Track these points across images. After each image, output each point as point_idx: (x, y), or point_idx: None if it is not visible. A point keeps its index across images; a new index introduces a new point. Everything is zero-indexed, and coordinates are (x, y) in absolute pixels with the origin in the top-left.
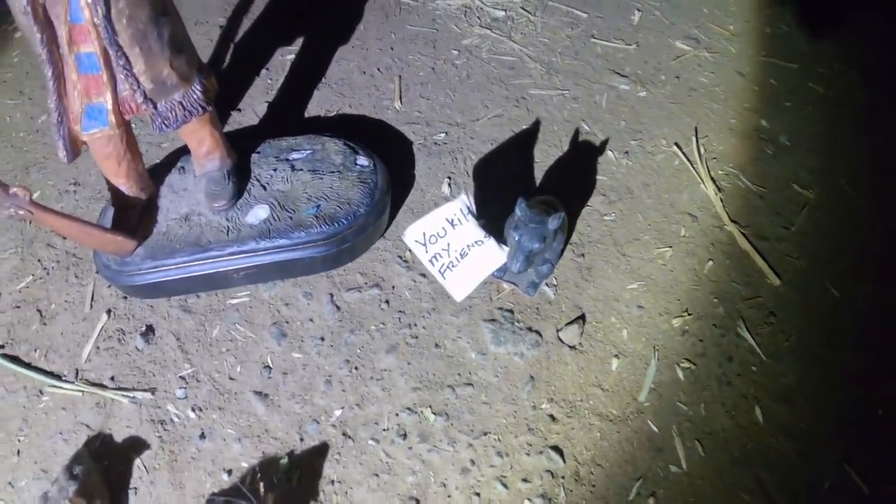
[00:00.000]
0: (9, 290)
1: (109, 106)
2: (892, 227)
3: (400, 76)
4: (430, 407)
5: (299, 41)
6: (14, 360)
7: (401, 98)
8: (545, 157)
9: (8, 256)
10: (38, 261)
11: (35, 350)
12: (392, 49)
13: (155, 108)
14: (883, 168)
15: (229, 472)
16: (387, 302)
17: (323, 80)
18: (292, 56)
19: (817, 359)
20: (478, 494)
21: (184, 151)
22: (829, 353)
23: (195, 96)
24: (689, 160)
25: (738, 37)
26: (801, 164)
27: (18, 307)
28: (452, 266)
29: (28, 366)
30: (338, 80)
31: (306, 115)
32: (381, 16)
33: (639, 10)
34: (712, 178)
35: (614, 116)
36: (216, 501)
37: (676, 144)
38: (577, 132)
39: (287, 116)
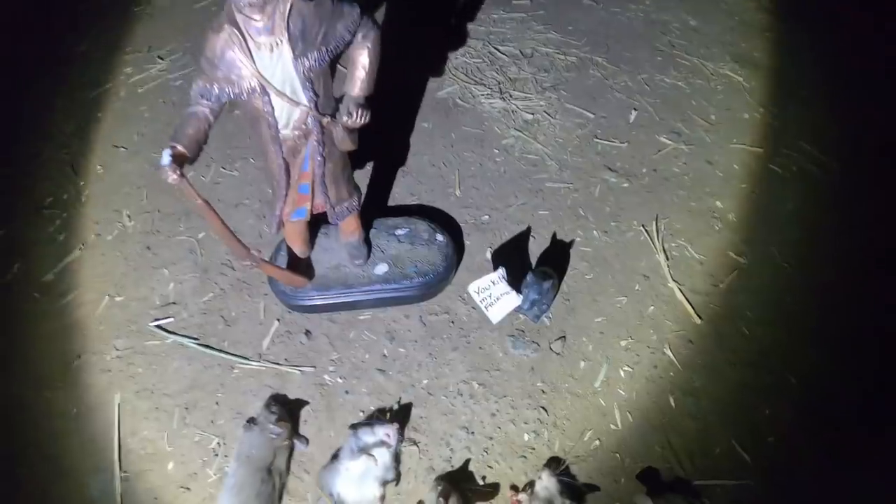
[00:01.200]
0: (195, 302)
1: (309, 208)
2: (809, 285)
3: (458, 170)
4: (476, 381)
5: (386, 134)
6: (207, 347)
7: (459, 187)
8: (552, 234)
9: (189, 278)
10: (216, 283)
11: (224, 342)
12: (452, 146)
13: (334, 209)
14: (813, 235)
15: (363, 412)
16: (452, 322)
17: (404, 168)
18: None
19: (722, 373)
20: (499, 427)
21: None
22: (733, 371)
23: (354, 203)
24: (650, 237)
25: (715, 126)
26: (741, 237)
27: (205, 314)
28: (491, 305)
29: (220, 350)
30: (415, 171)
31: (398, 195)
32: (443, 114)
33: (635, 109)
34: (664, 250)
35: (602, 203)
36: (357, 425)
37: (643, 226)
38: (575, 217)
39: (384, 196)
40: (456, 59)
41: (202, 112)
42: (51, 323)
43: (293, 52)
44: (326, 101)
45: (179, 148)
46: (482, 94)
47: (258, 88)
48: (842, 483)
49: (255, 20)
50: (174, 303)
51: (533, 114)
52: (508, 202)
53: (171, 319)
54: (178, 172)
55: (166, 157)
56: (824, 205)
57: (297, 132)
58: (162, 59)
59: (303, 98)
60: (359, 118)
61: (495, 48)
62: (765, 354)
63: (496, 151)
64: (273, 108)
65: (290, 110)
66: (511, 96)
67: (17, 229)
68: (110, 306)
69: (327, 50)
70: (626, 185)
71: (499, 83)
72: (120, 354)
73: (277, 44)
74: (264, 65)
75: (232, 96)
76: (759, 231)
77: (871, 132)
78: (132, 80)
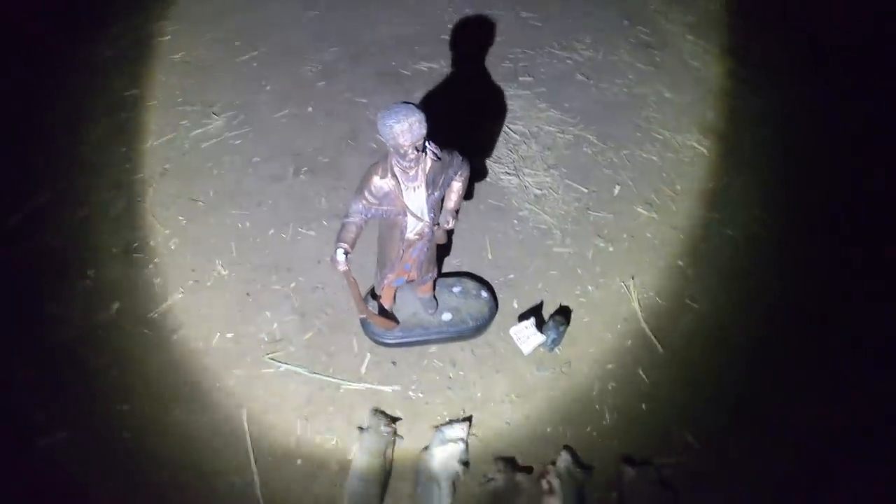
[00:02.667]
0: (298, 339)
1: (406, 279)
2: (748, 325)
3: (487, 237)
4: (513, 393)
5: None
6: (316, 373)
7: (490, 252)
8: (560, 291)
9: (290, 320)
10: (314, 324)
11: (329, 369)
12: (481, 217)
13: (421, 279)
14: (754, 287)
15: (439, 417)
16: (494, 353)
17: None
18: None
19: (677, 388)
20: (530, 424)
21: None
22: (685, 386)
23: (433, 275)
24: (628, 290)
25: (679, 195)
26: (697, 287)
27: (308, 348)
28: (523, 342)
29: (328, 375)
30: (457, 236)
31: (447, 256)
32: (473, 188)
33: (618, 184)
34: (638, 300)
35: (594, 264)
36: (440, 425)
37: (623, 282)
38: (575, 275)
39: (440, 258)
40: (480, 140)
41: (359, 222)
42: (165, 355)
43: (426, 191)
44: (437, 215)
45: (347, 247)
46: (501, 172)
47: (402, 212)
48: (751, 460)
49: (409, 174)
50: (280, 339)
51: (541, 189)
52: (526, 264)
53: (281, 353)
54: (346, 265)
55: (341, 256)
56: (766, 261)
57: (416, 236)
58: (217, 115)
59: (427, 218)
60: (452, 224)
61: (508, 127)
62: (707, 375)
63: (515, 222)
64: (407, 223)
65: (416, 223)
66: (523, 173)
67: (110, 272)
68: (222, 341)
69: (443, 188)
70: (611, 249)
71: (513, 161)
72: (240, 381)
73: (417, 187)
74: (408, 198)
75: (383, 216)
76: (710, 282)
77: (812, 196)
78: (192, 134)
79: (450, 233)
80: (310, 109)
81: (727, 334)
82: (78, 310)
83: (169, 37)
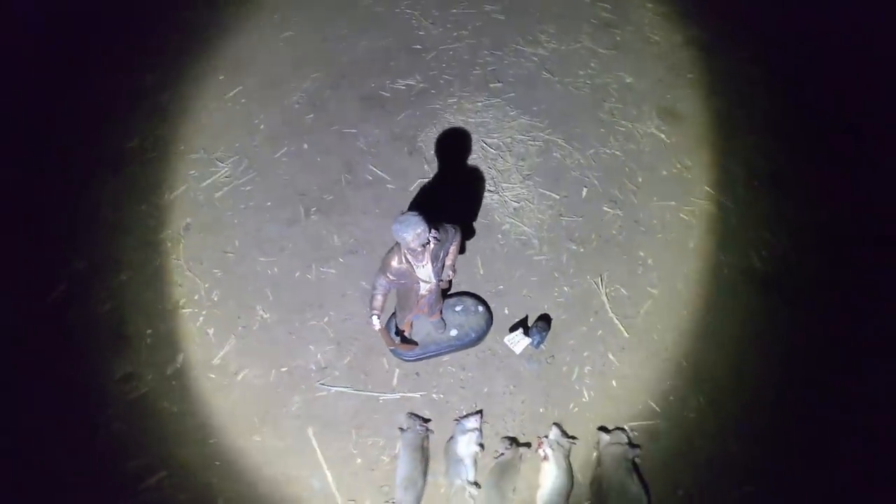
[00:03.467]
0: (340, 364)
1: (420, 315)
2: (702, 303)
3: (478, 256)
4: (512, 384)
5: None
6: (359, 390)
7: (481, 268)
8: (541, 295)
9: (329, 349)
10: (349, 350)
11: (368, 385)
12: (473, 237)
13: (432, 312)
14: (707, 264)
15: (457, 411)
16: (493, 355)
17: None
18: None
19: (642, 363)
20: (525, 407)
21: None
22: (648, 361)
23: (441, 307)
24: (597, 286)
25: (640, 187)
26: (656, 275)
27: (350, 371)
28: (515, 345)
29: (368, 391)
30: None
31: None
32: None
33: (585, 186)
34: (606, 294)
35: (568, 267)
36: (459, 418)
37: (593, 280)
38: (553, 279)
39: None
40: (463, 156)
41: (384, 292)
42: (235, 393)
43: (432, 264)
44: (440, 275)
45: (378, 312)
46: (484, 188)
47: (416, 282)
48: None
49: (420, 259)
50: (325, 367)
51: (518, 202)
52: (512, 274)
53: (328, 378)
54: (379, 326)
55: (375, 321)
56: (719, 237)
57: (426, 292)
58: (221, 162)
59: (433, 280)
60: (452, 276)
61: (484, 142)
62: (667, 348)
63: (499, 236)
64: (420, 286)
65: (426, 285)
66: (502, 188)
67: (166, 327)
68: (278, 375)
69: (444, 258)
70: (582, 250)
71: (493, 177)
72: (300, 405)
73: (425, 265)
74: (419, 272)
75: (400, 286)
76: (668, 268)
77: (762, 169)
78: (203, 185)
79: (450, 280)
80: (305, 147)
81: (682, 313)
82: (147, 365)
83: (150, 77)
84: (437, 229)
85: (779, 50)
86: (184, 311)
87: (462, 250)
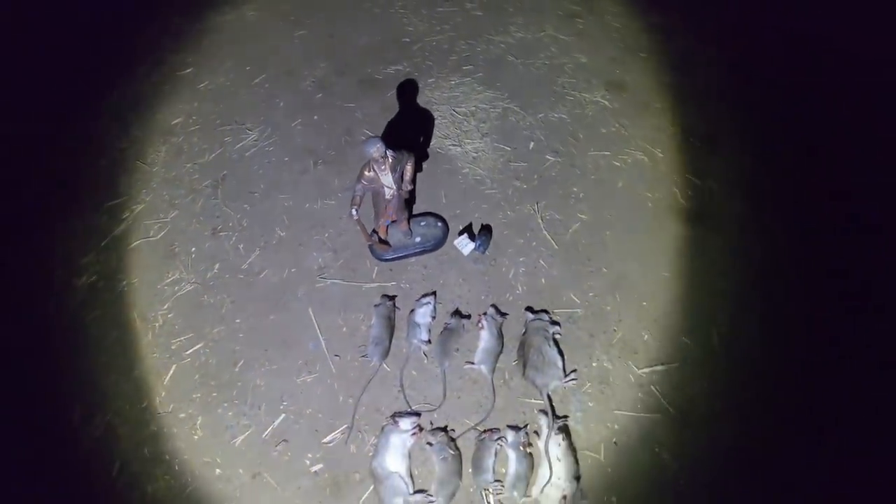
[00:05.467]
0: (335, 265)
1: (391, 219)
2: (625, 228)
3: (443, 190)
4: (461, 278)
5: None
6: (347, 282)
7: (444, 198)
8: (489, 217)
9: (329, 255)
10: (343, 255)
11: (355, 278)
12: (439, 176)
13: (398, 218)
14: (634, 201)
15: (419, 296)
16: (448, 258)
17: (419, 190)
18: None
19: (566, 270)
20: (471, 294)
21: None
22: (571, 268)
23: (406, 216)
24: (535, 211)
25: (580, 142)
26: (586, 205)
27: (341, 269)
28: (464, 248)
29: (354, 281)
30: (425, 191)
31: (418, 205)
32: (434, 158)
33: (532, 141)
34: (542, 217)
35: (512, 198)
36: (420, 299)
37: (530, 207)
38: (500, 206)
39: (412, 205)
40: (436, 122)
41: (360, 194)
42: (257, 287)
43: (391, 175)
44: (400, 186)
45: (357, 207)
46: (450, 144)
47: (382, 186)
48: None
49: (382, 168)
50: (324, 267)
51: (477, 153)
52: (468, 203)
53: (325, 274)
54: (357, 216)
55: (355, 213)
56: (645, 179)
57: (390, 196)
58: (250, 130)
59: (394, 187)
60: (408, 187)
61: (454, 110)
62: (590, 259)
63: (459, 178)
64: (385, 191)
65: (389, 191)
66: (465, 143)
67: (206, 245)
68: (290, 274)
69: (400, 170)
70: (525, 186)
71: (458, 135)
72: (305, 293)
73: (387, 173)
74: (384, 179)
75: (372, 190)
76: (596, 200)
77: (699, 130)
78: (236, 147)
79: (411, 192)
80: (315, 118)
81: (606, 233)
82: (192, 272)
83: (190, 69)
84: (393, 149)
85: (732, 32)
86: (221, 234)
87: (420, 169)
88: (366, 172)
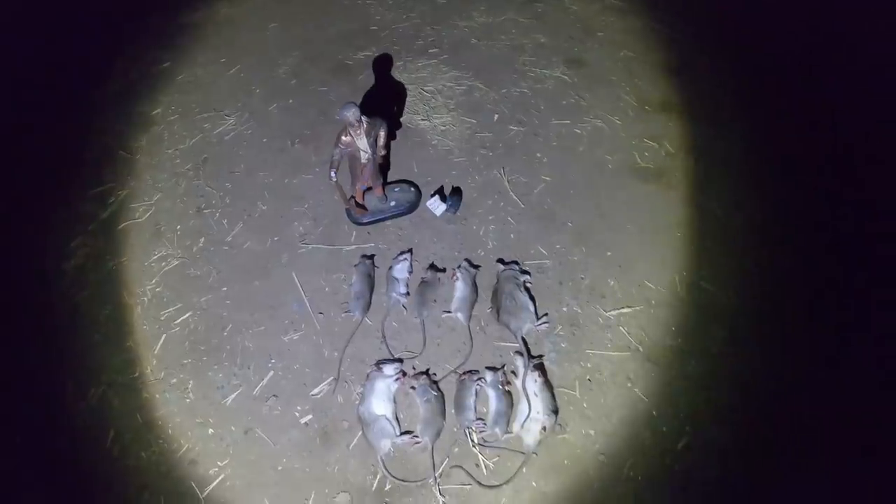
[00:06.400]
0: (315, 231)
1: (367, 185)
2: (581, 184)
3: (414, 160)
4: (435, 237)
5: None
6: (327, 245)
7: (415, 167)
8: (458, 182)
9: (309, 223)
10: (322, 222)
11: (334, 242)
12: (410, 147)
13: (374, 184)
14: (594, 161)
15: (397, 254)
16: (422, 220)
17: (393, 160)
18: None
19: (534, 225)
20: (445, 249)
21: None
22: (541, 224)
23: (381, 182)
24: (501, 175)
25: (542, 113)
26: (548, 169)
27: (322, 235)
28: (436, 209)
29: (334, 245)
30: (398, 162)
31: (392, 173)
32: (404, 132)
33: (497, 113)
34: (507, 181)
35: (479, 164)
36: (397, 256)
37: (496, 171)
38: (467, 172)
39: (386, 175)
40: (406, 100)
41: (338, 158)
42: (241, 257)
43: (366, 139)
44: (374, 150)
45: (335, 169)
46: (419, 119)
47: (358, 150)
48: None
49: (357, 132)
50: (305, 234)
51: (445, 126)
52: (437, 171)
53: (307, 240)
54: (335, 179)
55: (333, 174)
56: (609, 145)
57: (366, 161)
58: (228, 116)
59: (369, 151)
60: (383, 152)
61: (422, 89)
62: (556, 215)
63: (429, 149)
64: (361, 154)
65: (365, 155)
66: (433, 118)
67: (190, 223)
68: (273, 242)
69: (374, 135)
70: (491, 154)
71: (426, 111)
72: (288, 259)
73: (361, 138)
74: (359, 143)
75: (348, 154)
76: (559, 164)
77: (655, 99)
78: (215, 132)
79: (385, 158)
80: (290, 101)
81: (569, 192)
82: (179, 248)
83: (167, 63)
84: (368, 116)
85: (684, 10)
86: (205, 211)
87: (393, 137)
88: (343, 137)
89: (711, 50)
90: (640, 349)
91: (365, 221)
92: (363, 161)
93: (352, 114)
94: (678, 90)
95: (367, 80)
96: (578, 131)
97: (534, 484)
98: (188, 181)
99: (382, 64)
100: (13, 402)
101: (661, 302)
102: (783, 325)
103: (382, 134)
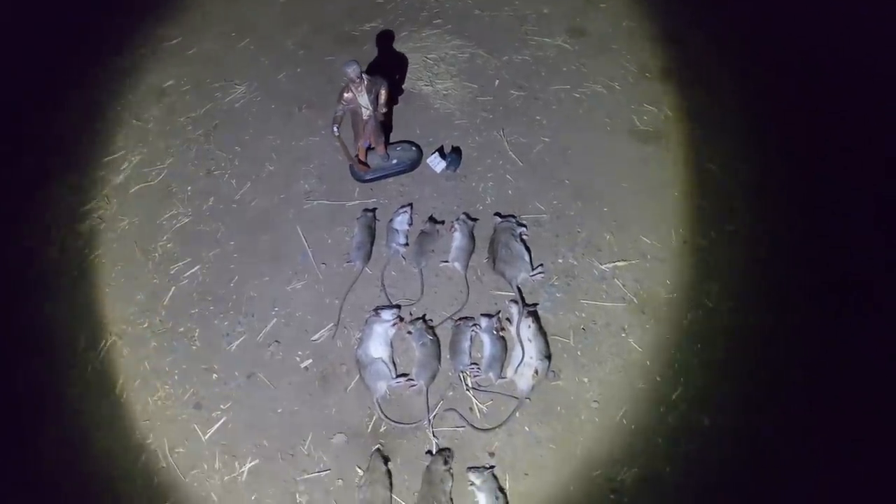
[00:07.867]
0: (320, 189)
1: (369, 142)
2: (584, 148)
3: (417, 122)
4: (435, 193)
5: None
6: (332, 201)
7: (417, 129)
8: (459, 141)
9: (314, 181)
10: (327, 180)
11: (339, 198)
12: (414, 111)
13: (376, 142)
14: (595, 125)
15: (398, 207)
16: (423, 176)
17: (396, 122)
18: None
19: (533, 180)
20: (445, 204)
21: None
22: (541, 182)
23: (383, 140)
24: (501, 136)
25: (543, 78)
26: (548, 132)
27: (327, 192)
28: (437, 166)
29: (338, 201)
30: (401, 124)
31: (395, 134)
32: (407, 96)
33: (498, 79)
34: (507, 141)
35: (480, 127)
36: (398, 210)
37: (496, 132)
38: (468, 133)
39: (389, 135)
40: (409, 68)
41: (340, 113)
42: (248, 212)
43: (367, 96)
44: (375, 108)
45: (338, 124)
46: (422, 85)
47: (360, 106)
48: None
49: (358, 88)
50: (311, 191)
51: (447, 91)
52: (439, 132)
53: (311, 196)
54: (338, 133)
55: (336, 130)
56: (608, 109)
57: (367, 117)
58: (238, 85)
59: (371, 108)
60: (384, 110)
61: (425, 57)
62: (553, 173)
63: (431, 112)
64: (362, 111)
65: (366, 111)
66: (436, 83)
67: (202, 186)
68: (279, 199)
69: (375, 93)
70: (491, 117)
71: (429, 77)
72: (295, 215)
73: (363, 94)
74: (360, 100)
75: (350, 110)
76: (558, 126)
77: (655, 66)
78: (226, 100)
79: (387, 116)
80: (298, 70)
81: (567, 152)
82: (189, 206)
83: (177, 39)
84: (369, 74)
85: None
86: (214, 173)
87: (395, 101)
88: (345, 94)
89: (711, 20)
90: (635, 301)
91: (368, 178)
92: (364, 118)
93: (352, 70)
94: (678, 58)
95: (373, 50)
96: (578, 96)
97: (527, 429)
98: (199, 146)
99: (387, 34)
100: (27, 355)
101: (657, 257)
102: (777, 279)
103: (383, 92)
